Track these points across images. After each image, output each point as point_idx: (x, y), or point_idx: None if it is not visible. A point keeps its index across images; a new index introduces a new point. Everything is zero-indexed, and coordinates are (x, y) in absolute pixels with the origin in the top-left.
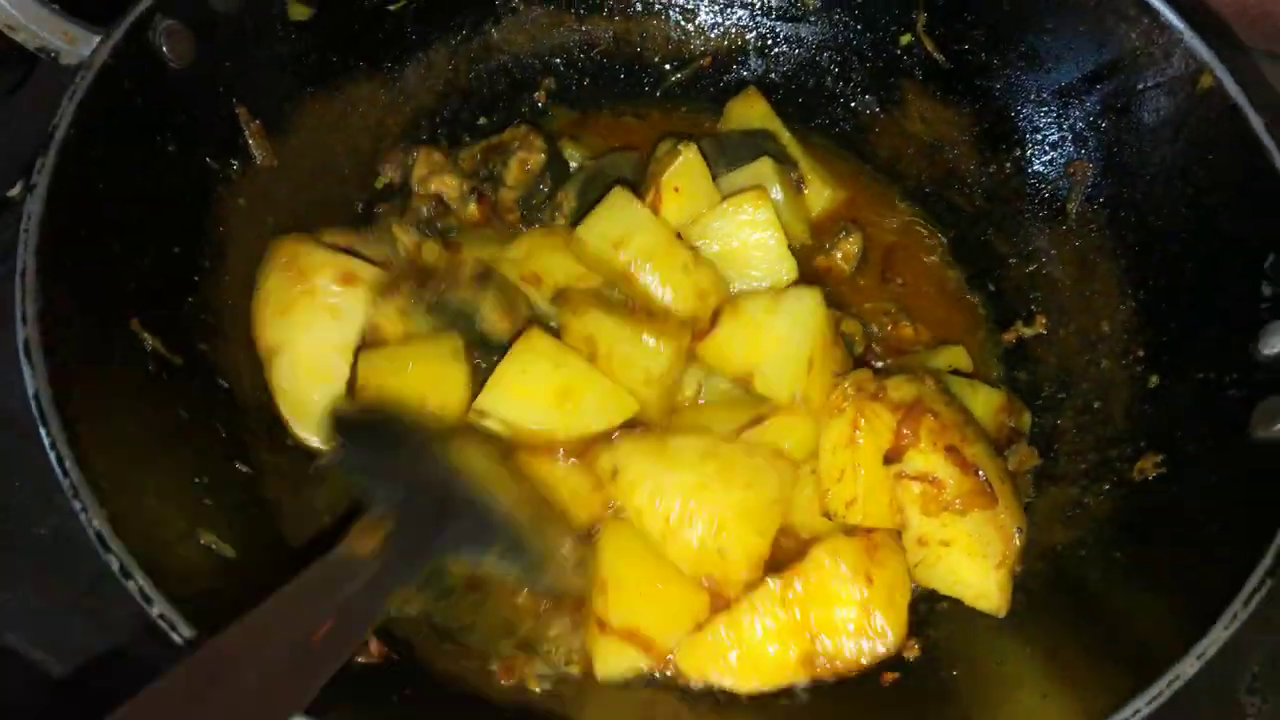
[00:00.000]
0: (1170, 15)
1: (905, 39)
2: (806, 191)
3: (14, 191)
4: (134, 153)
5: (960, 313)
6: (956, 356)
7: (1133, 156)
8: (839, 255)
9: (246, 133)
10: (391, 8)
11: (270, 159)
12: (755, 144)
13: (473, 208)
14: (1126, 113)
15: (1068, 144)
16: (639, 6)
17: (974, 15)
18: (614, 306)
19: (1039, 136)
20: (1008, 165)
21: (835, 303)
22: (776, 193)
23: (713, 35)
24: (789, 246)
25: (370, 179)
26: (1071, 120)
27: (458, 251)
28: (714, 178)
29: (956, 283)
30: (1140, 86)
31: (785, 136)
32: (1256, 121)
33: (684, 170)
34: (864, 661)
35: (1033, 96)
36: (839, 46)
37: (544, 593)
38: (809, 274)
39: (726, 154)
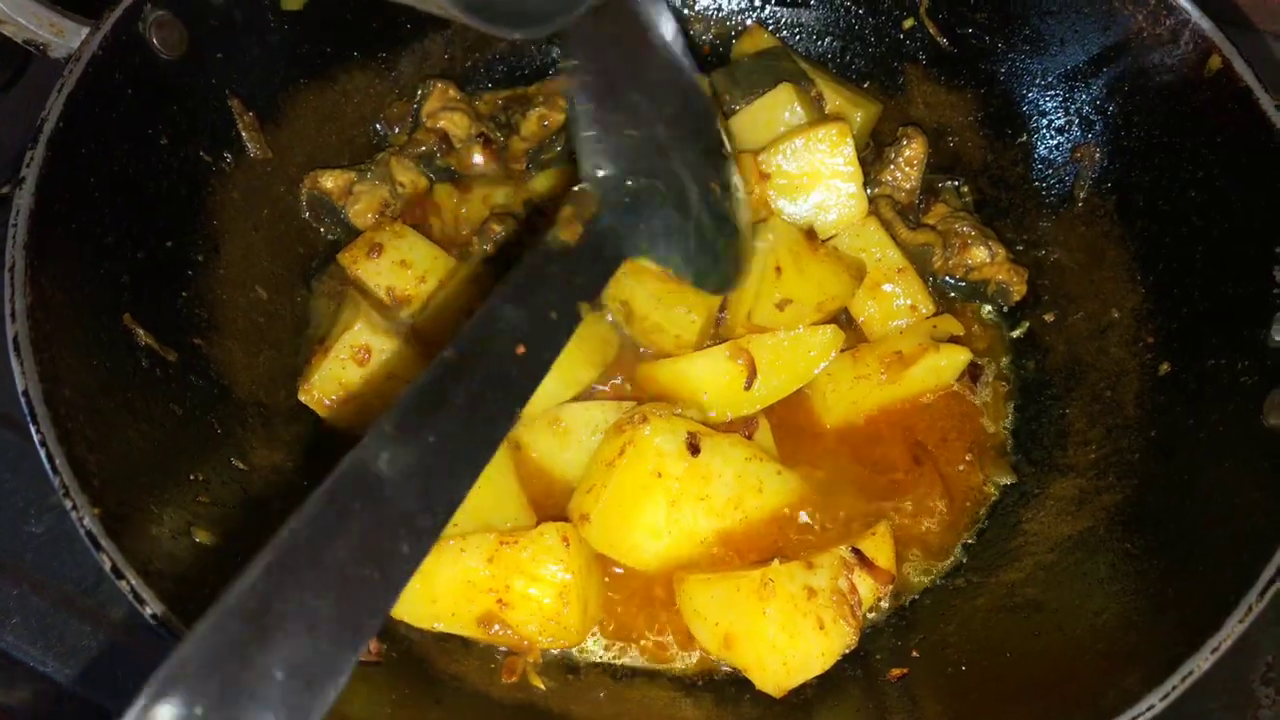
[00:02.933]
0: None
1: (908, 23)
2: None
3: (4, 189)
4: (125, 146)
5: None
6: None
7: (1141, 140)
8: (903, 162)
9: (240, 124)
10: None
11: (264, 151)
12: (769, 67)
13: (475, 150)
14: (1134, 96)
15: (1074, 128)
16: None
17: None
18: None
19: (1045, 121)
20: (1013, 150)
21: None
22: (799, 114)
23: (714, 20)
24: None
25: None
26: (1078, 104)
27: (468, 190)
28: (729, 111)
29: None
30: (1147, 69)
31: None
32: (1267, 103)
33: None
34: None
35: (1038, 80)
36: (841, 31)
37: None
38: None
39: (740, 84)
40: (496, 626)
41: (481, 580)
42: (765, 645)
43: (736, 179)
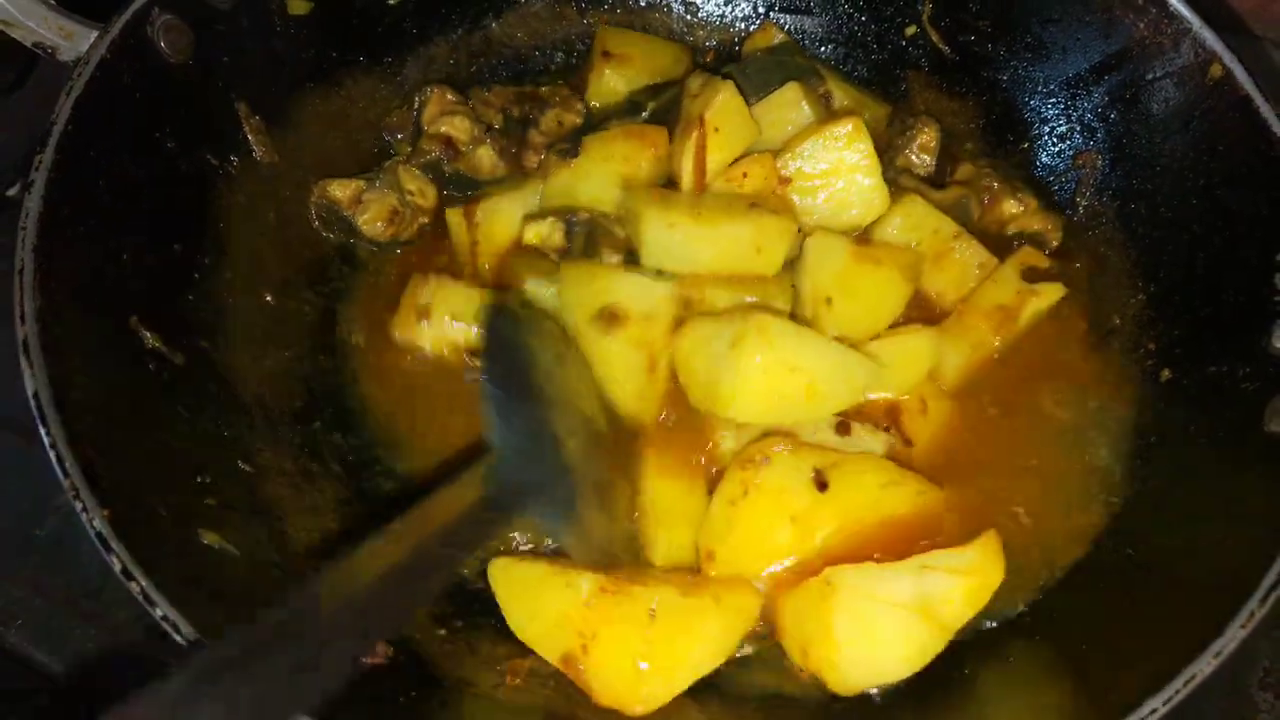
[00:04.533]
0: (1178, 4)
1: (910, 30)
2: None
3: (14, 191)
4: (133, 149)
5: None
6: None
7: (1142, 148)
8: (918, 148)
9: (246, 128)
10: (391, 1)
11: (270, 155)
12: (780, 63)
13: (483, 152)
14: (1135, 103)
15: (1076, 135)
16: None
17: (980, 5)
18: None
19: (1047, 128)
20: (1016, 157)
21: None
22: (806, 113)
23: (716, 27)
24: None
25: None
26: (1080, 111)
27: (473, 216)
28: None
29: None
30: (1149, 77)
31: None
32: (1268, 111)
33: (724, 108)
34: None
35: (1040, 88)
36: (844, 38)
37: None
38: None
39: (751, 80)
40: (580, 666)
41: (574, 619)
42: (832, 645)
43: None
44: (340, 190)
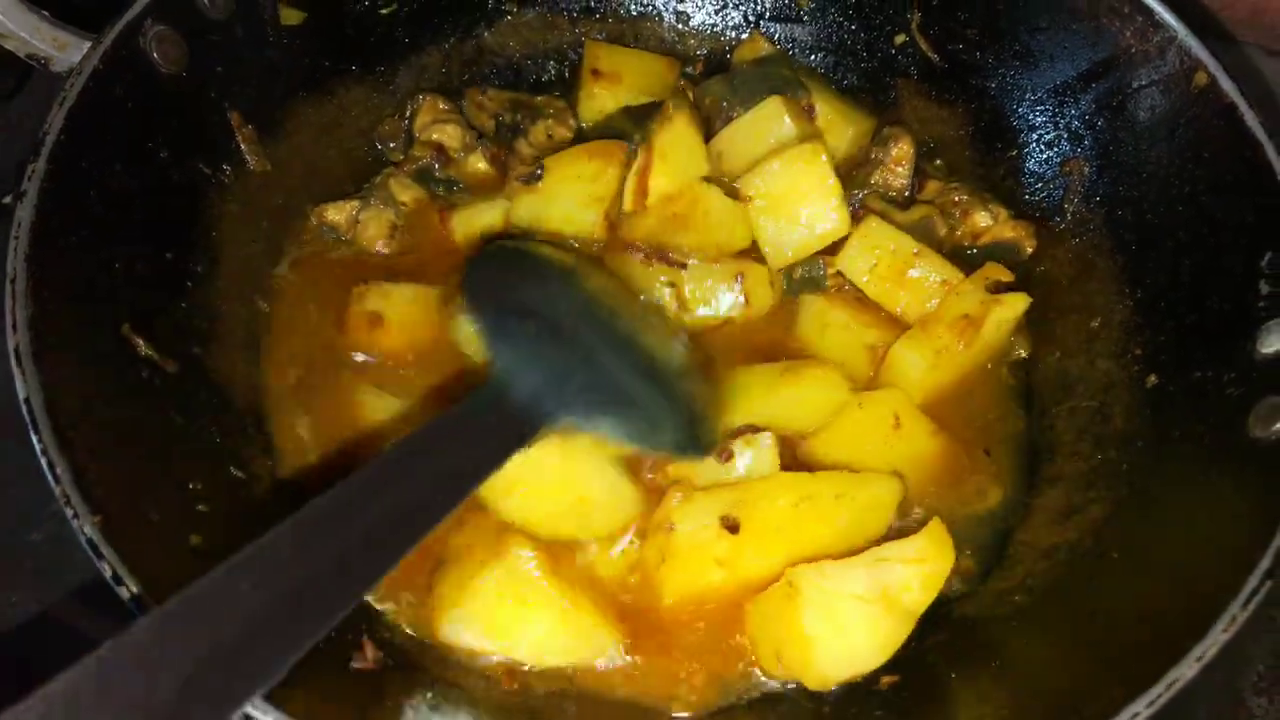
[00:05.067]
0: (1164, 13)
1: (900, 39)
2: (820, 123)
3: (6, 200)
4: (125, 158)
5: None
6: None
7: (1129, 155)
8: (891, 163)
9: (239, 137)
10: (383, 11)
11: (263, 164)
12: (766, 74)
13: (474, 159)
14: (1122, 111)
15: (1063, 143)
16: (633, 9)
17: (968, 14)
18: None
19: (1034, 135)
20: (1003, 164)
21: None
22: (789, 128)
23: (707, 36)
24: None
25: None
26: (1067, 119)
27: (448, 220)
28: (729, 118)
29: None
30: (1135, 84)
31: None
32: (1252, 119)
33: (673, 137)
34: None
35: (1027, 95)
36: (833, 46)
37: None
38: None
39: (738, 91)
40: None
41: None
42: (804, 642)
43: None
44: (336, 213)
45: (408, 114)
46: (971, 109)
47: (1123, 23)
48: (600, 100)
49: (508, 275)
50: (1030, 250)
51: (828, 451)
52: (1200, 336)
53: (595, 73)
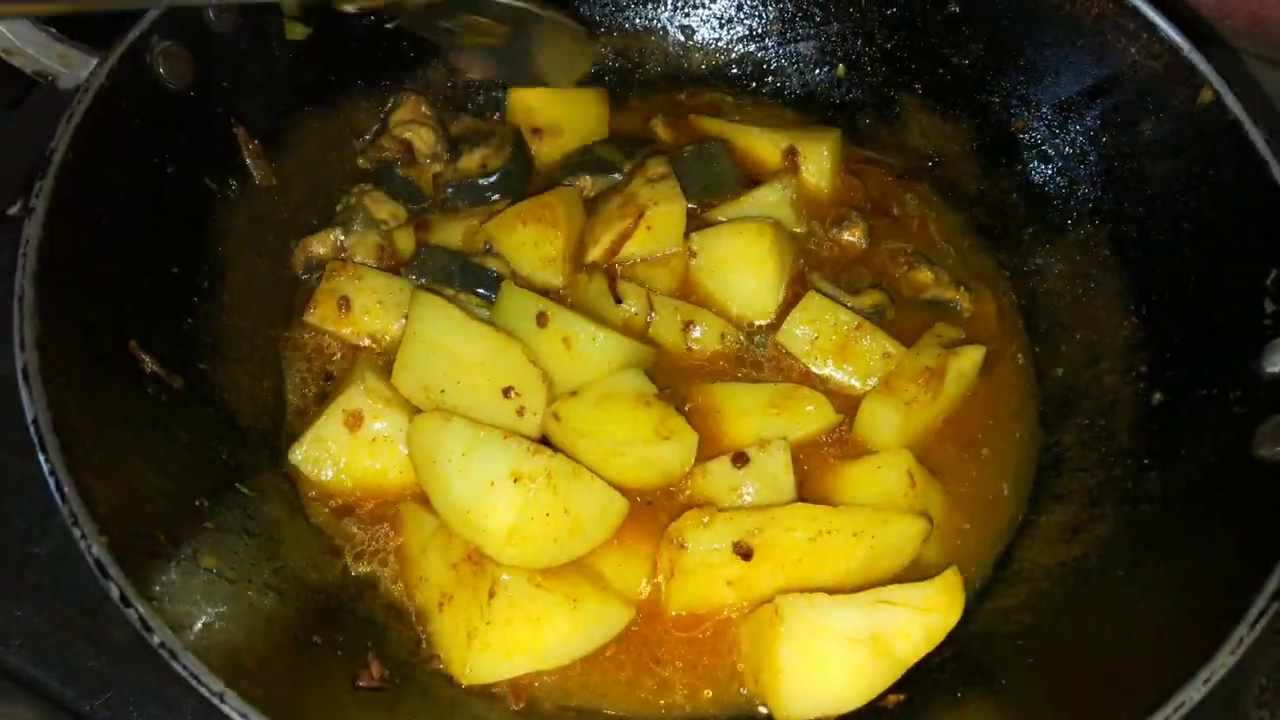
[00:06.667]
0: (1170, 30)
1: (903, 53)
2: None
3: (13, 210)
4: (132, 174)
5: None
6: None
7: (1133, 171)
8: (843, 241)
9: (245, 152)
10: (388, 26)
11: (269, 178)
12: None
13: (436, 169)
14: (1126, 127)
15: (1068, 158)
16: (638, 24)
17: (973, 29)
18: None
19: (1039, 151)
20: (1008, 180)
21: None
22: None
23: (711, 51)
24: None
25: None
26: (1071, 135)
27: (426, 231)
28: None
29: None
30: (1140, 100)
31: None
32: (1257, 136)
33: (665, 217)
34: None
35: (1032, 111)
36: (836, 61)
37: None
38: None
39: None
40: (432, 626)
41: (441, 579)
42: (776, 674)
43: None
44: (320, 245)
45: (388, 106)
46: (976, 124)
47: (1128, 40)
48: (547, 154)
49: None
50: (970, 312)
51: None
52: (1205, 354)
53: (536, 131)
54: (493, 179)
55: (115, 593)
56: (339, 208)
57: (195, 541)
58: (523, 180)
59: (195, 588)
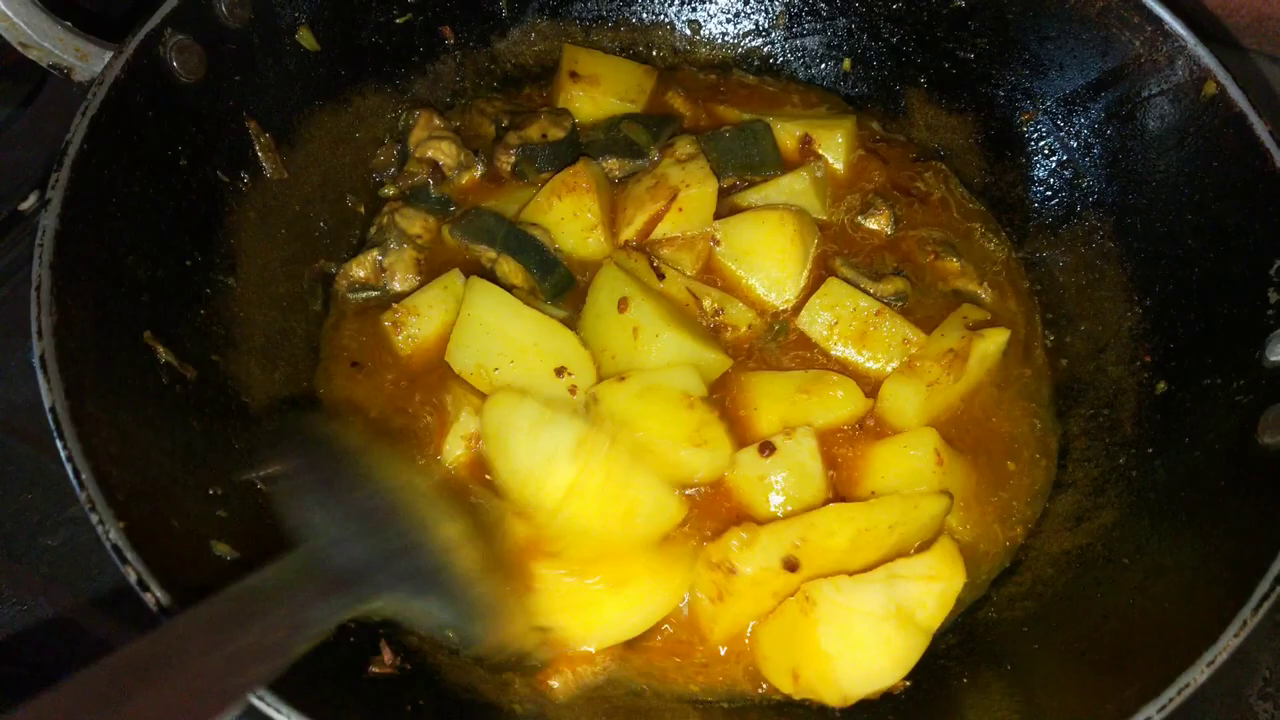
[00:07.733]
0: (1174, 23)
1: (909, 47)
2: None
3: (26, 204)
4: (146, 167)
5: None
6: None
7: (1138, 164)
8: (865, 231)
9: (257, 146)
10: (398, 20)
11: (280, 171)
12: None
13: (468, 177)
14: (1131, 120)
15: (1073, 151)
16: (645, 17)
17: (978, 23)
18: None
19: (1044, 144)
20: (1013, 172)
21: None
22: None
23: (719, 45)
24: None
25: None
26: (1076, 127)
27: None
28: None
29: None
30: (1144, 94)
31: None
32: (1261, 128)
33: (698, 199)
34: None
35: (1037, 104)
36: (842, 55)
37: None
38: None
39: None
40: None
41: None
42: (823, 659)
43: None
44: (360, 269)
45: (400, 129)
46: (981, 117)
47: (1132, 32)
48: (579, 103)
49: (318, 461)
50: (989, 303)
51: (879, 486)
52: (1209, 344)
53: (573, 75)
54: (552, 149)
55: (133, 577)
56: (372, 230)
57: (208, 528)
58: (572, 156)
59: (209, 574)
